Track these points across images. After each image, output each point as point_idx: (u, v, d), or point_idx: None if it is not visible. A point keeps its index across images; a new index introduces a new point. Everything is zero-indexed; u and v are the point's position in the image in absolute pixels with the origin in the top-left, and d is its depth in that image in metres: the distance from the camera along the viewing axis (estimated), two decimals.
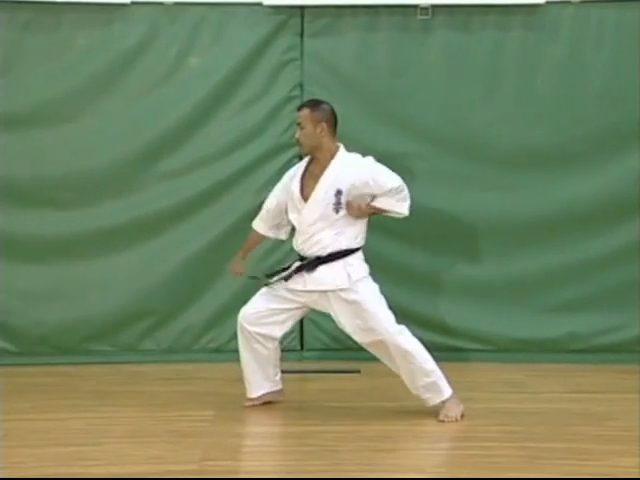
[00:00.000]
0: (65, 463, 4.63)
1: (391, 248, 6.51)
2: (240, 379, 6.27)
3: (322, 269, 5.34)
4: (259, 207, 6.58)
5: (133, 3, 6.49)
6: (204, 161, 6.59)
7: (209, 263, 6.62)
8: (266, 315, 5.48)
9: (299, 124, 5.40)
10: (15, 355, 6.54)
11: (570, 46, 6.52)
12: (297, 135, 5.41)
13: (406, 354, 5.20)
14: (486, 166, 6.59)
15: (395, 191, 5.26)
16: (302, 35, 6.60)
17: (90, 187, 6.55)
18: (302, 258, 5.43)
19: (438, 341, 6.48)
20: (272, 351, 5.56)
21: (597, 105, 6.53)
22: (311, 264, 5.36)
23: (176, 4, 6.52)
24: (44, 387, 6.05)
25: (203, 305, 6.66)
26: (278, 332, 5.51)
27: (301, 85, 6.62)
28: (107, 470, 4.53)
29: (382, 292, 5.34)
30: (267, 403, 5.62)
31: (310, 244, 5.37)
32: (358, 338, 5.35)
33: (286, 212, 5.53)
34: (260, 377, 5.58)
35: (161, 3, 6.52)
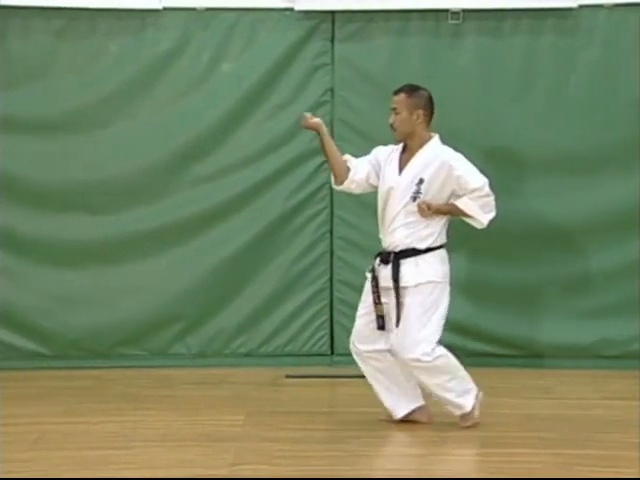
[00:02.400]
0: (96, 467, 4.62)
1: None
2: (270, 383, 6.28)
3: (389, 266, 5.09)
4: (290, 212, 6.62)
5: (165, 9, 6.51)
6: (235, 166, 6.59)
7: (240, 268, 6.63)
8: (367, 329, 5.22)
9: (394, 109, 5.15)
10: (48, 358, 6.57)
11: (603, 50, 6.48)
12: (391, 120, 5.15)
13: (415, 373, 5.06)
14: (518, 171, 6.56)
15: (478, 193, 5.02)
16: (333, 40, 6.60)
17: (122, 192, 6.58)
18: (381, 252, 5.19)
19: (471, 347, 6.45)
20: (392, 363, 5.19)
21: (630, 110, 6.48)
22: (386, 259, 5.11)
23: (208, 10, 6.53)
24: (76, 390, 6.07)
25: (234, 309, 6.66)
26: (384, 344, 5.18)
27: (332, 90, 6.62)
28: (138, 474, 4.52)
29: None
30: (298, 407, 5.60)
31: (389, 236, 5.13)
32: None
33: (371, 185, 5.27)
34: (397, 395, 5.23)
35: (193, 9, 6.53)
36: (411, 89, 5.18)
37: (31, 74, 6.51)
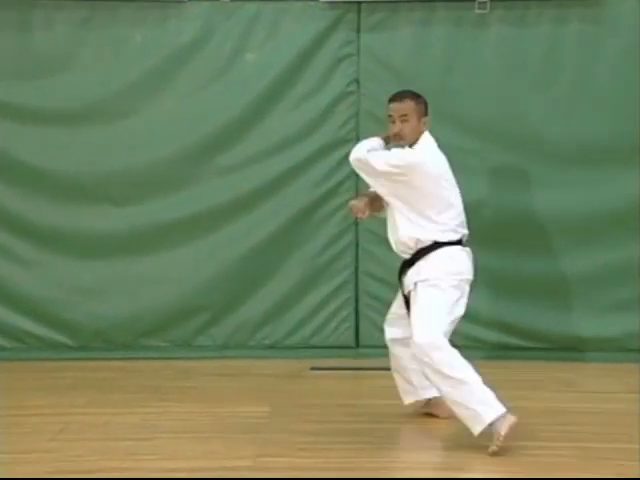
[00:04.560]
0: (120, 457, 4.67)
1: None
2: (295, 375, 6.31)
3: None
4: (315, 202, 6.65)
5: (188, 0, 6.53)
6: (260, 157, 6.61)
7: (264, 259, 6.65)
8: (393, 318, 5.26)
9: (403, 116, 4.96)
10: (72, 349, 6.63)
11: (630, 40, 6.44)
12: (397, 129, 4.96)
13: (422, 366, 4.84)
14: (543, 162, 6.53)
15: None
16: (359, 30, 6.60)
17: (146, 183, 6.61)
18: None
19: (495, 339, 6.46)
20: (397, 357, 5.25)
21: None
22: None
23: (231, 0, 6.54)
24: (100, 382, 6.11)
25: (258, 301, 6.68)
26: (396, 333, 5.22)
27: (357, 81, 6.62)
28: (161, 465, 4.57)
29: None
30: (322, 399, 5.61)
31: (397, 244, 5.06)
32: None
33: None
34: (401, 383, 5.29)
35: (216, 0, 6.54)
36: (415, 95, 5.04)
37: (54, 66, 6.55)
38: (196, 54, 6.57)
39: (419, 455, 4.75)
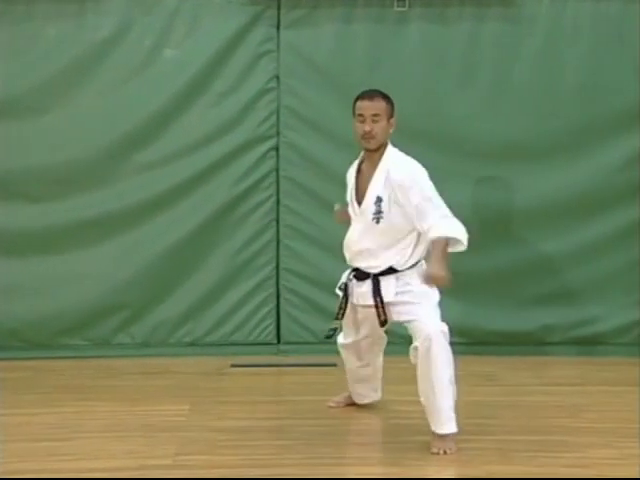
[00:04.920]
0: (38, 458, 4.63)
1: None
2: (216, 372, 6.30)
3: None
4: (236, 199, 6.65)
5: None
6: (179, 154, 6.58)
7: (184, 256, 6.63)
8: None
9: (375, 115, 4.76)
10: None
11: (546, 39, 6.55)
12: (367, 128, 4.74)
13: None
14: (464, 158, 6.60)
15: (430, 203, 4.72)
16: (279, 27, 6.59)
17: (64, 180, 6.53)
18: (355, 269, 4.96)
19: None
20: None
21: (574, 98, 6.56)
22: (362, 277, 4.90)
23: None
24: (17, 382, 6.03)
25: (179, 298, 6.66)
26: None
27: (277, 77, 6.62)
28: (81, 465, 4.54)
29: None
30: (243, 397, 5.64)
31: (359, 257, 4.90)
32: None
33: None
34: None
35: None
36: (385, 94, 4.84)
37: None
38: (114, 50, 6.50)
39: (342, 450, 4.78)
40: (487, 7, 6.52)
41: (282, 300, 6.73)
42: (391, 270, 4.82)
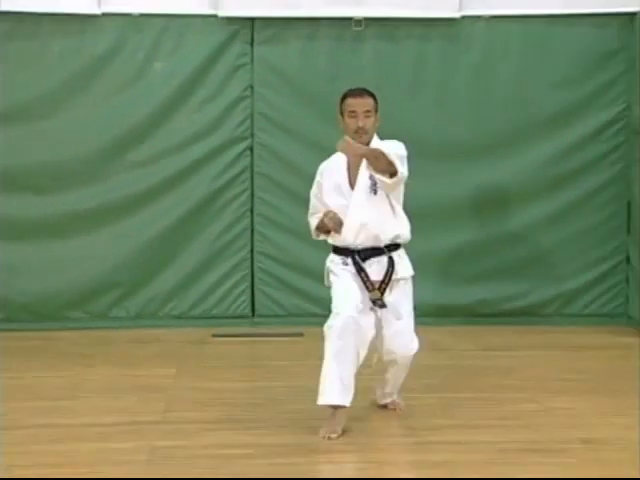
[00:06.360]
0: (44, 414, 4.61)
1: None
2: (199, 341, 6.29)
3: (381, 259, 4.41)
4: (215, 192, 6.62)
5: (104, 14, 6.42)
6: (166, 153, 6.54)
7: (171, 241, 6.60)
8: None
9: (367, 112, 4.36)
10: (1, 321, 6.46)
11: (481, 56, 6.58)
12: (361, 124, 4.33)
13: None
14: (413, 156, 6.56)
15: (397, 157, 4.25)
16: (252, 43, 6.57)
17: (65, 175, 6.49)
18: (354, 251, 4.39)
19: None
20: None
21: (504, 105, 6.59)
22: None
23: (142, 15, 6.45)
24: (26, 350, 6.00)
25: (166, 277, 6.63)
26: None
27: (252, 86, 6.60)
28: (81, 421, 4.52)
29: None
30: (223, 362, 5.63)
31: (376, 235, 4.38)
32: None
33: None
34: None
35: (129, 14, 6.45)
36: (372, 92, 4.44)
37: None
38: (110, 63, 6.46)
39: (310, 409, 4.74)
40: (432, 28, 6.53)
41: (256, 279, 6.72)
42: (397, 246, 4.43)
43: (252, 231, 6.69)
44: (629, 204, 6.62)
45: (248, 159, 6.65)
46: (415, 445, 4.26)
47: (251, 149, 6.64)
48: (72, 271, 6.52)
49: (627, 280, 6.69)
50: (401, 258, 4.50)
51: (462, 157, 6.60)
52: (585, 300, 6.73)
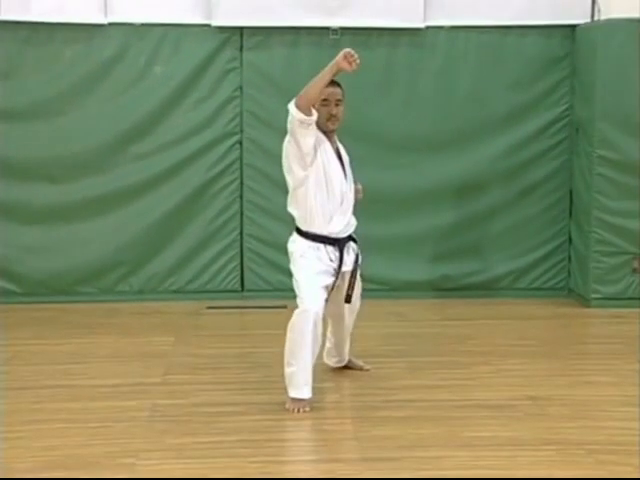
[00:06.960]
0: (58, 377, 4.63)
1: None
2: (194, 313, 6.30)
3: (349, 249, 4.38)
4: (208, 182, 6.61)
5: (110, 24, 6.38)
6: (165, 146, 6.51)
7: (170, 225, 6.58)
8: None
9: (339, 100, 4.27)
10: (19, 295, 6.45)
11: (444, 60, 6.57)
12: (334, 111, 4.26)
13: None
14: (382, 150, 6.60)
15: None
16: (242, 49, 6.54)
17: (77, 166, 6.45)
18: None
19: None
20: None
21: (464, 105, 6.59)
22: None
23: (143, 25, 6.41)
24: (42, 320, 6.01)
25: (166, 257, 6.60)
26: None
27: (241, 88, 6.57)
28: (91, 382, 4.55)
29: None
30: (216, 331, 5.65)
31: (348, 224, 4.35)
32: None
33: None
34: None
35: (132, 24, 6.41)
36: (340, 84, 4.35)
37: (2, 74, 6.34)
38: (115, 67, 6.43)
39: None
40: (399, 36, 6.52)
41: (245, 258, 6.71)
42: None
43: (241, 215, 6.68)
44: (571, 192, 6.68)
45: (238, 152, 6.65)
46: (384, 403, 4.31)
47: (240, 143, 6.64)
48: (83, 251, 6.50)
49: (569, 258, 6.76)
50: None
51: (426, 150, 6.61)
52: (533, 276, 6.77)
